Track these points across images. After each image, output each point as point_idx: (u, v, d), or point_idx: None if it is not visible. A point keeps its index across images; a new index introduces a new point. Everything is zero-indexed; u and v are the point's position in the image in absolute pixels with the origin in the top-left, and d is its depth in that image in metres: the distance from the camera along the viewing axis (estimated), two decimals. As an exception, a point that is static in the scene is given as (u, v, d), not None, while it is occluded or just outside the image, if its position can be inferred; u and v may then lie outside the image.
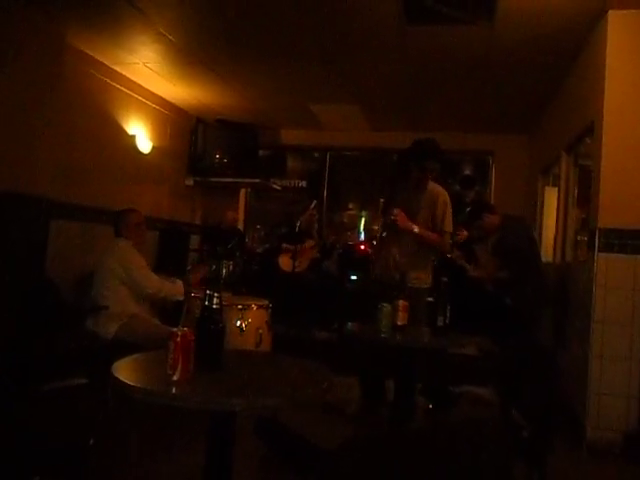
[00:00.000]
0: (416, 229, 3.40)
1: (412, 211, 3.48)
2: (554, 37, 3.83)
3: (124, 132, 5.40)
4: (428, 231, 3.45)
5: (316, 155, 7.60)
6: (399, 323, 2.75)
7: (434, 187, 3.57)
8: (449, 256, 4.79)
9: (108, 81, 5.10)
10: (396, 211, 3.38)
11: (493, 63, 4.42)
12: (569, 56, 4.15)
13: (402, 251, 3.47)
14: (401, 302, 2.77)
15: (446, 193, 3.58)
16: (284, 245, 6.03)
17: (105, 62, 4.97)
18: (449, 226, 3.52)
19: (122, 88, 5.31)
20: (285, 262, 5.88)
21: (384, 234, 3.56)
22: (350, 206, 8.14)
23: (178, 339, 1.52)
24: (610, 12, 3.45)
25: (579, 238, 4.37)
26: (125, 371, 1.63)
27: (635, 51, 3.46)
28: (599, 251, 3.41)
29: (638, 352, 3.32)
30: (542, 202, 5.62)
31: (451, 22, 3.68)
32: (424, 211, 3.51)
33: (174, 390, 1.49)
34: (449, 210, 3.53)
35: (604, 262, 3.40)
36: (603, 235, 3.41)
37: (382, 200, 3.82)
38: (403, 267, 3.35)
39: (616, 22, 3.46)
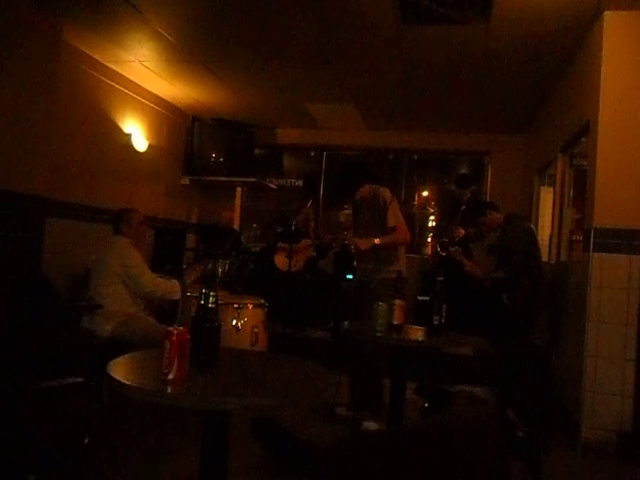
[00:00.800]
0: (376, 241, 3.62)
1: (365, 220, 3.80)
2: (550, 37, 3.84)
3: (120, 130, 5.38)
4: (385, 236, 3.65)
5: (312, 154, 7.60)
6: (395, 322, 2.76)
7: (372, 190, 3.79)
8: (447, 252, 4.83)
9: (104, 79, 5.08)
10: (350, 241, 3.72)
11: (489, 63, 4.42)
12: (565, 56, 4.16)
13: (368, 258, 3.74)
14: (397, 301, 2.78)
15: (385, 189, 3.78)
16: (280, 244, 6.03)
17: (101, 60, 4.95)
18: (393, 220, 3.67)
19: (118, 86, 5.29)
20: (281, 261, 5.87)
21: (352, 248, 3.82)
22: (346, 205, 8.14)
23: (173, 338, 1.51)
24: (606, 13, 3.46)
25: (574, 238, 4.39)
26: (120, 370, 1.63)
27: (630, 51, 3.47)
28: (594, 251, 3.42)
29: (632, 351, 3.34)
30: (538, 202, 5.63)
31: (447, 22, 3.69)
32: (371, 215, 3.76)
33: (169, 389, 1.49)
34: (393, 205, 3.71)
35: (599, 262, 3.42)
36: (598, 235, 3.43)
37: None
38: (371, 273, 3.71)
39: (612, 22, 3.47)
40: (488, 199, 6.59)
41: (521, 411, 2.40)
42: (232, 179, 6.65)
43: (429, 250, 7.18)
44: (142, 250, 3.72)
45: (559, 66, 4.35)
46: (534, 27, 3.70)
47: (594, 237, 3.43)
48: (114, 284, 3.48)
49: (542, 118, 5.60)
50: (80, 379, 2.70)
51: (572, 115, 4.23)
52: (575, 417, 3.45)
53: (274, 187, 7.17)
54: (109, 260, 3.51)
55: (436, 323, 2.82)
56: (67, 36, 4.39)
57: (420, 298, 4.32)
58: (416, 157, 7.39)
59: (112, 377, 1.53)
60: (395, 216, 3.68)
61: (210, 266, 4.34)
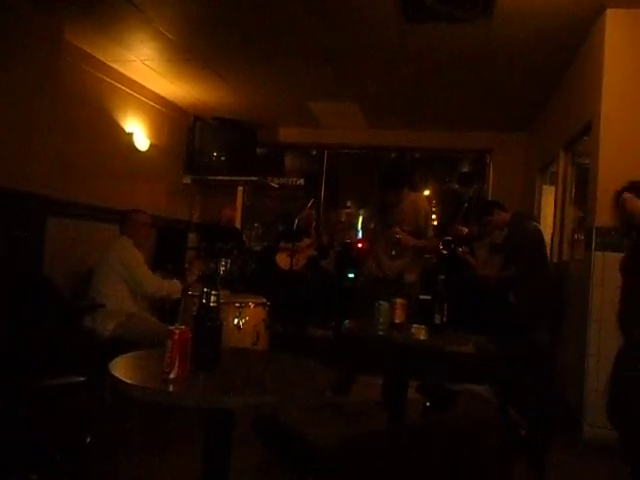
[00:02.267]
0: (412, 242, 3.66)
1: (398, 220, 3.75)
2: (552, 35, 3.83)
3: (121, 129, 5.38)
4: (419, 240, 3.72)
5: (314, 153, 7.59)
6: (397, 321, 2.76)
7: (413, 197, 3.83)
8: (449, 249, 4.85)
9: (105, 78, 5.08)
10: (398, 230, 3.64)
11: (491, 61, 4.41)
12: (567, 54, 4.15)
13: (390, 255, 3.73)
14: (399, 300, 2.78)
15: (423, 198, 3.92)
16: (282, 243, 6.03)
17: (102, 59, 4.95)
18: (431, 230, 3.84)
19: (119, 85, 5.29)
20: (283, 260, 5.88)
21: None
22: (348, 204, 8.15)
23: (175, 337, 1.51)
24: (608, 10, 3.45)
25: (576, 237, 4.38)
26: (122, 369, 1.63)
27: (633, 50, 3.46)
28: (596, 250, 3.42)
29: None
30: (540, 200, 5.62)
31: (449, 20, 3.68)
32: (408, 220, 3.75)
33: (171, 388, 1.49)
34: (430, 215, 3.89)
35: (601, 261, 3.41)
36: (600, 234, 3.42)
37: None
38: (395, 269, 3.70)
39: (614, 20, 3.46)
40: (490, 197, 6.59)
41: (523, 410, 2.39)
42: (234, 178, 6.65)
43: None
44: (146, 251, 3.74)
45: (561, 64, 4.34)
46: (536, 25, 3.69)
47: (596, 236, 3.42)
48: (116, 284, 3.49)
49: (544, 116, 5.58)
50: (82, 378, 2.70)
51: (574, 113, 4.22)
52: (577, 416, 3.44)
53: (276, 186, 7.17)
54: (111, 260, 3.53)
55: (437, 322, 2.82)
56: (69, 35, 4.38)
57: (422, 297, 4.31)
58: (418, 155, 7.38)
59: (114, 376, 1.53)
60: (431, 228, 3.84)
61: (212, 265, 4.35)
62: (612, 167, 3.43)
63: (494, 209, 4.50)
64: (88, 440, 2.24)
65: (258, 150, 6.94)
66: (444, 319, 2.82)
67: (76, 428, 2.33)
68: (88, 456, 2.36)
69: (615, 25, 3.46)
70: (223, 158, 6.55)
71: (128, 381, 1.50)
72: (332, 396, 3.67)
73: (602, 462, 3.14)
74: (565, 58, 4.21)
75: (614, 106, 3.44)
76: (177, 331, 1.52)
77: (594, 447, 3.27)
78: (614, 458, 3.16)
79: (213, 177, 6.56)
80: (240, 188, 7.39)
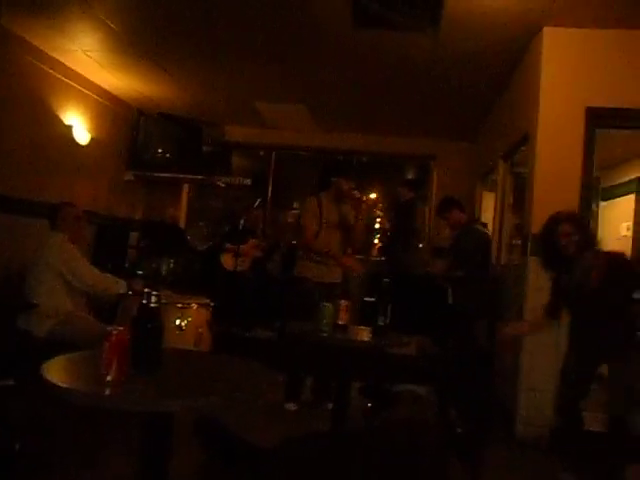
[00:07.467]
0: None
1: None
2: (494, 49, 3.98)
3: (60, 122, 5.15)
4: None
5: (261, 153, 7.55)
6: (340, 322, 2.78)
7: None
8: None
9: (44, 67, 4.85)
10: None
11: (437, 71, 4.54)
12: (508, 69, 4.33)
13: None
14: (343, 302, 2.80)
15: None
16: (227, 244, 5.96)
17: (42, 48, 4.72)
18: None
19: (59, 76, 5.06)
20: (227, 261, 5.81)
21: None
22: (295, 205, 8.14)
23: (112, 338, 1.47)
24: (545, 28, 3.62)
25: (514, 242, 4.57)
26: (56, 372, 1.56)
27: (567, 67, 3.64)
28: (531, 255, 3.57)
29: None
30: (480, 206, 5.83)
31: (397, 28, 3.75)
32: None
33: (107, 391, 1.44)
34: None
35: (536, 265, 3.56)
36: (536, 239, 3.57)
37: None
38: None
39: (551, 38, 3.62)
40: (434, 203, 6.77)
41: (461, 409, 2.47)
42: (179, 176, 6.51)
43: (375, 252, 7.30)
44: (81, 246, 3.60)
45: (502, 77, 4.51)
46: (480, 39, 3.82)
47: (532, 242, 3.58)
48: (50, 281, 3.34)
49: (486, 126, 5.79)
50: (11, 382, 2.58)
51: (513, 125, 4.40)
52: (512, 414, 3.58)
53: (222, 185, 7.07)
54: (45, 257, 3.37)
55: (381, 323, 2.86)
56: (5, 22, 4.16)
57: (366, 299, 4.37)
58: (365, 159, 7.47)
59: (47, 379, 1.46)
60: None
61: (154, 265, 4.24)
62: (547, 177, 3.59)
63: (453, 207, 4.63)
64: (17, 447, 2.13)
65: (205, 148, 6.82)
66: (387, 320, 2.87)
67: (5, 434, 2.22)
68: (18, 464, 2.25)
69: (551, 43, 3.63)
70: (168, 155, 6.40)
71: (62, 385, 1.44)
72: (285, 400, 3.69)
73: (534, 458, 3.29)
74: (506, 71, 4.39)
75: (549, 120, 3.61)
76: (114, 332, 1.48)
77: (526, 444, 3.42)
78: (546, 454, 3.32)
79: (157, 174, 6.39)
80: (185, 186, 7.25)
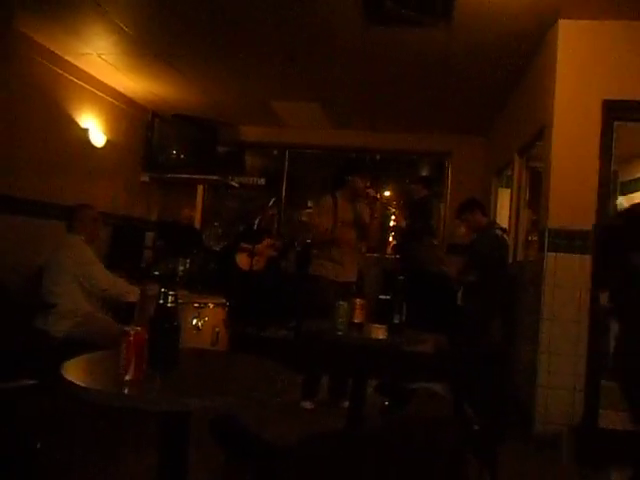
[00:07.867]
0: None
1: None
2: (509, 43, 3.94)
3: (76, 125, 5.22)
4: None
5: (275, 153, 7.56)
6: (356, 321, 2.78)
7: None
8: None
9: (59, 71, 4.92)
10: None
11: (451, 66, 4.50)
12: (522, 62, 4.28)
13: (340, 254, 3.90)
14: (358, 300, 2.80)
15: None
16: (242, 244, 5.98)
17: (57, 51, 4.79)
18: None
19: (74, 79, 5.13)
20: (243, 260, 5.83)
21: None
22: (309, 204, 8.14)
23: (130, 338, 1.48)
24: (560, 21, 3.57)
25: (530, 238, 4.52)
26: (75, 371, 1.58)
27: (583, 60, 3.59)
28: (548, 251, 3.53)
29: (583, 348, 3.46)
30: (496, 203, 5.77)
31: (409, 24, 3.73)
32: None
33: (126, 390, 1.46)
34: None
35: (553, 261, 3.53)
36: (552, 235, 3.54)
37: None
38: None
39: (566, 31, 3.58)
40: (447, 199, 6.73)
41: (478, 406, 2.45)
42: (193, 176, 6.56)
43: (390, 250, 7.27)
44: (97, 247, 3.64)
45: (517, 72, 4.47)
46: (494, 32, 3.79)
47: (548, 237, 3.54)
48: (68, 283, 3.39)
49: (501, 121, 5.73)
50: (32, 381, 2.62)
51: (528, 119, 4.35)
52: (529, 412, 3.55)
53: (236, 185, 7.11)
54: (62, 259, 3.42)
55: (396, 321, 2.85)
56: (21, 25, 4.22)
57: (381, 297, 4.36)
58: (378, 157, 7.45)
59: (66, 379, 1.48)
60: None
61: (170, 264, 4.28)
62: (563, 172, 3.55)
63: (476, 209, 4.53)
64: (38, 445, 2.17)
65: (219, 149, 6.86)
66: (402, 318, 2.86)
67: (26, 433, 2.25)
68: (39, 462, 2.29)
69: (567, 35, 3.58)
70: (183, 156, 6.45)
71: (81, 384, 1.46)
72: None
73: (552, 457, 3.26)
74: (521, 65, 4.34)
75: (565, 113, 3.56)
76: (132, 332, 1.49)
77: (545, 442, 3.39)
78: (563, 452, 3.28)
79: (172, 175, 6.44)
80: (200, 187, 7.29)
